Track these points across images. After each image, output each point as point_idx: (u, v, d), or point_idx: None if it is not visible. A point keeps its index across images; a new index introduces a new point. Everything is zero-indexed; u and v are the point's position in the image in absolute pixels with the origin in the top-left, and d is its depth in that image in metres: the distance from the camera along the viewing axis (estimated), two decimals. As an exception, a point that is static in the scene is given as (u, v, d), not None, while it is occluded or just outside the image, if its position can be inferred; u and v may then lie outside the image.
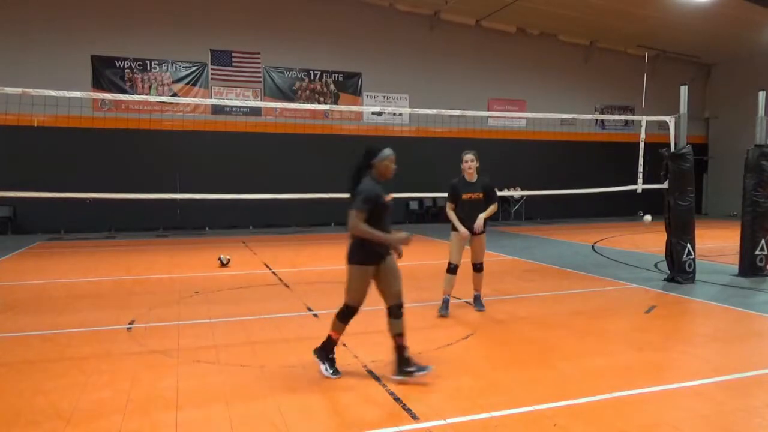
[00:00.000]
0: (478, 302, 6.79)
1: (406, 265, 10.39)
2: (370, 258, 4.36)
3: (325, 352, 4.49)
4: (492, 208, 6.45)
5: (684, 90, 8.82)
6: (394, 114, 19.56)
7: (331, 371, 4.42)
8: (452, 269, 6.60)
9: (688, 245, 8.44)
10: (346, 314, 4.50)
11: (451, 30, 20.33)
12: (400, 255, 4.53)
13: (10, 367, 4.76)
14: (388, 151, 4.47)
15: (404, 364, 4.34)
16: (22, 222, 16.27)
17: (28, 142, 15.84)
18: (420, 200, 20.08)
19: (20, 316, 6.61)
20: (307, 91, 18.97)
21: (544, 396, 4.03)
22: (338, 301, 7.29)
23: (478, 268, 6.72)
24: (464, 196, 6.44)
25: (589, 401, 3.94)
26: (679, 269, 8.44)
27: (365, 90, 19.56)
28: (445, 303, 6.61)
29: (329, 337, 4.52)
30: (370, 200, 4.23)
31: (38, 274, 9.59)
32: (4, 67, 15.21)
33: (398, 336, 4.41)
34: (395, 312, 4.44)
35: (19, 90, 6.84)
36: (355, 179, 4.37)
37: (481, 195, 6.41)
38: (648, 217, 12.45)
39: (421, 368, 4.33)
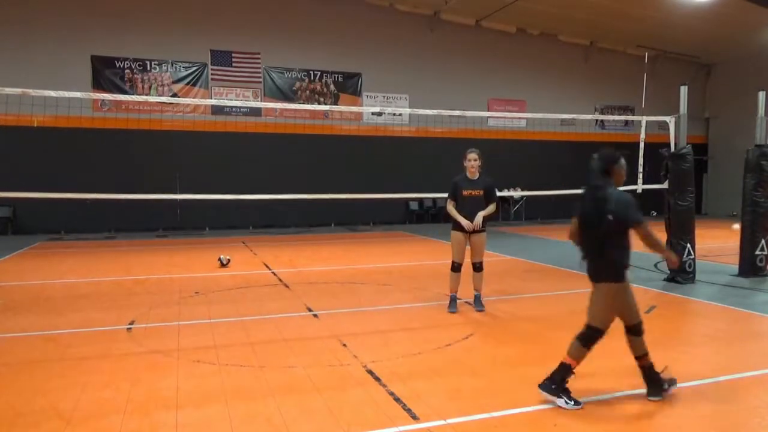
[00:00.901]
0: (478, 302, 6.78)
1: (405, 266, 10.44)
2: (624, 275, 4.06)
3: (559, 383, 3.89)
4: (491, 207, 6.54)
5: (684, 90, 8.82)
6: (394, 114, 19.56)
7: (572, 403, 3.82)
8: (456, 267, 6.67)
9: (688, 245, 8.44)
10: (592, 338, 3.94)
11: (451, 30, 20.34)
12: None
13: (11, 367, 4.76)
14: (624, 159, 4.13)
15: (658, 383, 4.00)
16: (23, 222, 16.27)
17: (28, 143, 15.82)
18: (420, 200, 20.08)
19: (20, 316, 6.61)
20: (307, 92, 18.98)
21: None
22: (340, 301, 7.33)
23: (477, 267, 6.72)
24: (465, 193, 6.52)
25: (589, 401, 3.94)
26: (678, 269, 8.44)
27: (365, 90, 19.57)
28: (453, 300, 6.72)
29: (564, 366, 3.91)
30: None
31: (38, 275, 9.59)
32: (4, 67, 15.21)
33: (643, 357, 4.03)
34: (638, 329, 4.05)
35: (18, 90, 6.84)
36: (599, 188, 3.97)
37: (481, 192, 6.51)
38: (736, 226, 9.95)
39: (672, 382, 4.05)
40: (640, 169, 9.61)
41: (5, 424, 3.65)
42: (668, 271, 8.69)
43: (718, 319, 6.59)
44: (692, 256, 8.46)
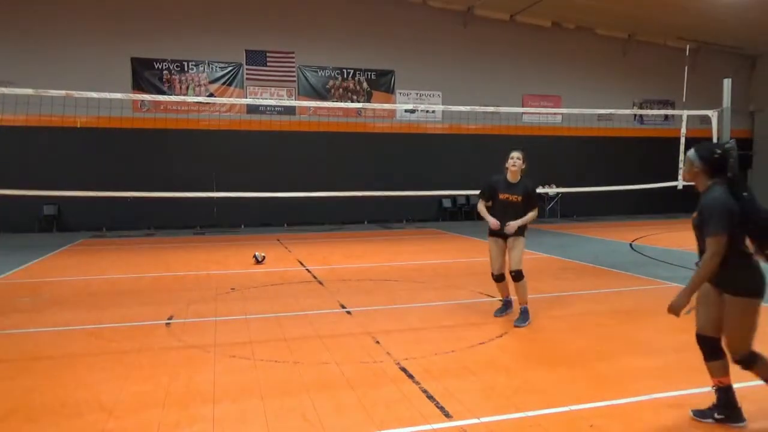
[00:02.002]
0: (521, 317, 5.97)
1: (438, 264, 10.40)
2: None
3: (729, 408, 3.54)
4: (531, 215, 5.91)
5: (727, 83, 8.56)
6: (427, 111, 19.49)
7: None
8: (495, 278, 6.18)
9: (732, 243, 8.17)
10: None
11: (485, 25, 20.13)
12: None
13: (56, 361, 4.94)
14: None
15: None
16: (67, 220, 16.83)
17: (71, 143, 16.38)
18: (453, 198, 19.97)
19: (65, 310, 6.84)
20: (340, 90, 19.06)
21: (580, 396, 3.97)
22: (373, 299, 7.35)
23: (514, 276, 5.97)
24: (501, 196, 5.93)
25: (626, 402, 3.87)
26: (721, 268, 8.18)
27: (398, 87, 19.54)
28: (504, 304, 6.29)
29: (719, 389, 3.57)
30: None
31: (82, 271, 9.90)
32: (49, 71, 15.72)
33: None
34: None
35: (63, 92, 7.08)
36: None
37: (520, 198, 5.87)
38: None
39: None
40: (681, 165, 9.35)
41: (50, 413, 3.79)
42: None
43: (763, 319, 6.35)
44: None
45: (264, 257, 10.48)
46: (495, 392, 4.10)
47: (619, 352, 5.05)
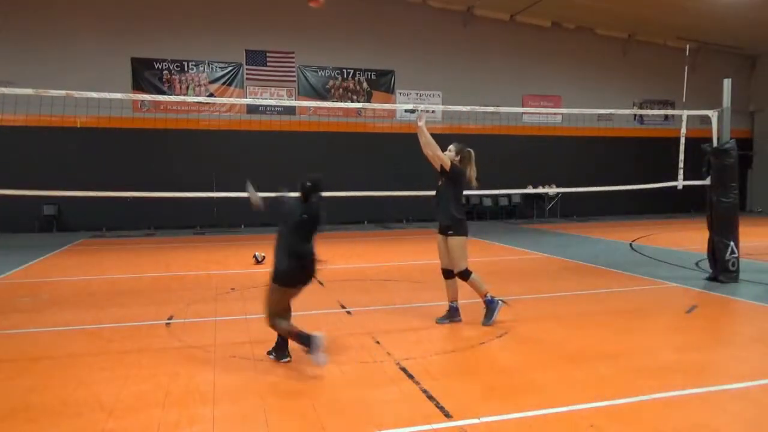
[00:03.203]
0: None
1: (439, 263, 10.35)
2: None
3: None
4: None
5: (727, 83, 8.55)
6: (427, 111, 19.46)
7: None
8: (442, 273, 6.10)
9: (732, 243, 8.17)
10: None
11: (485, 25, 20.14)
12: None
13: (56, 361, 4.94)
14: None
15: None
16: (67, 220, 16.82)
17: (71, 143, 16.37)
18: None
19: (65, 310, 6.84)
20: (341, 90, 19.06)
21: (580, 396, 3.97)
22: (373, 298, 7.35)
23: (459, 277, 5.92)
24: (439, 182, 6.08)
25: (626, 402, 3.87)
26: (721, 268, 8.19)
27: (398, 87, 19.54)
28: (449, 310, 6.10)
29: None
30: None
31: (82, 271, 9.90)
32: (49, 71, 15.72)
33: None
34: None
35: (63, 92, 7.06)
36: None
37: (440, 182, 6.04)
38: None
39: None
40: (681, 165, 9.34)
41: (51, 413, 3.78)
42: (710, 270, 8.44)
43: (762, 319, 6.37)
44: (736, 255, 8.19)
45: (264, 257, 10.47)
46: (495, 392, 4.10)
47: (619, 352, 5.05)
